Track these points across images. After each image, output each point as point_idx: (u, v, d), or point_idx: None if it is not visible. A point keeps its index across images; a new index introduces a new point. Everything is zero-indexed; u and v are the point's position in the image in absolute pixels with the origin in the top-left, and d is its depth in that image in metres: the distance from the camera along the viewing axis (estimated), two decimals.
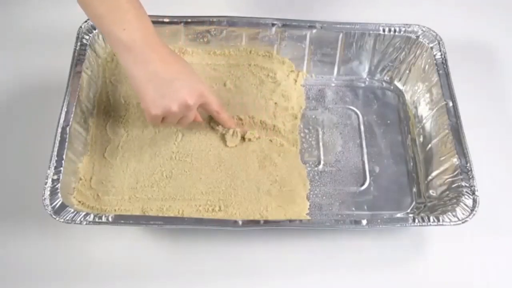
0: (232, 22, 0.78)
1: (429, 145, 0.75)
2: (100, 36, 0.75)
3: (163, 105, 0.64)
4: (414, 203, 0.74)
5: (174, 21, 0.77)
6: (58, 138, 0.66)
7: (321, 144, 0.78)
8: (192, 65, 0.79)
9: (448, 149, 0.71)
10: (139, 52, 0.62)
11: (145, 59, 0.62)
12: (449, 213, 0.65)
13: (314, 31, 0.79)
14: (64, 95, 0.69)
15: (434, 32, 0.79)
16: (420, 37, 0.79)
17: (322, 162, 0.76)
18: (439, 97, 0.75)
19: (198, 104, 0.68)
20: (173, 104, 0.64)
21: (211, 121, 0.75)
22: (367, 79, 0.84)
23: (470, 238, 0.72)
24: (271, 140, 0.75)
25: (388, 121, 0.81)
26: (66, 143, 0.66)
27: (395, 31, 0.79)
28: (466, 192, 0.67)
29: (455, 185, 0.68)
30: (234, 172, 0.72)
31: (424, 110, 0.78)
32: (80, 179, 0.69)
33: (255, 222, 0.64)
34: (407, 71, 0.82)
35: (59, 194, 0.62)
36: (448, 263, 0.71)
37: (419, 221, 0.64)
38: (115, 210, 0.67)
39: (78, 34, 0.73)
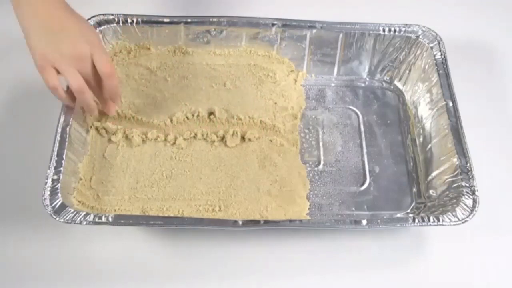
0: (232, 22, 0.78)
1: (429, 145, 0.75)
2: (100, 36, 0.75)
3: (53, 44, 0.61)
4: (414, 203, 0.74)
5: (174, 21, 0.77)
6: (58, 138, 0.66)
7: (321, 144, 0.78)
8: (192, 65, 0.79)
9: (448, 149, 0.71)
10: None
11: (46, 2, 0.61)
12: (449, 213, 0.65)
13: (314, 31, 0.79)
14: None
15: (434, 32, 0.79)
16: (420, 37, 0.79)
17: (322, 162, 0.76)
18: (439, 97, 0.75)
19: (90, 53, 0.63)
20: (64, 45, 0.61)
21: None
22: (367, 79, 0.84)
23: (470, 238, 0.72)
24: (271, 140, 0.75)
25: (388, 121, 0.81)
26: (66, 143, 0.66)
27: (395, 31, 0.79)
28: (466, 192, 0.67)
29: (455, 185, 0.68)
30: (234, 172, 0.72)
31: (424, 110, 0.78)
32: (80, 179, 0.69)
33: (255, 222, 0.64)
34: (407, 71, 0.82)
35: (59, 194, 0.62)
36: (448, 263, 0.71)
37: (419, 221, 0.64)
38: (115, 210, 0.67)
39: None
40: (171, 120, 0.74)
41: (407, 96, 0.82)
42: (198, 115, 0.75)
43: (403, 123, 0.81)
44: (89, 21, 0.75)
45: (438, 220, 0.64)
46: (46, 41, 0.61)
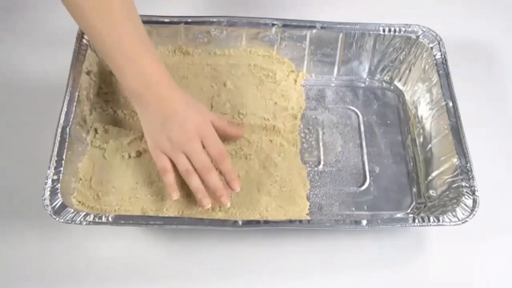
0: (232, 22, 0.78)
1: (429, 145, 0.75)
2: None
3: (163, 133, 0.65)
4: (414, 203, 0.74)
5: (174, 21, 0.77)
6: (58, 138, 0.66)
7: (321, 144, 0.78)
8: (192, 65, 0.79)
9: (448, 149, 0.71)
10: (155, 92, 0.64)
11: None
12: (449, 213, 0.65)
13: (314, 31, 0.79)
14: (64, 95, 0.69)
15: (434, 32, 0.79)
16: (420, 37, 0.79)
17: (322, 162, 0.76)
18: (439, 97, 0.75)
19: (200, 136, 0.66)
20: (174, 132, 0.65)
21: None
22: (367, 79, 0.84)
23: (470, 238, 0.72)
24: (271, 140, 0.75)
25: (388, 121, 0.81)
26: (66, 143, 0.66)
27: (395, 31, 0.79)
28: (466, 192, 0.67)
29: (455, 185, 0.68)
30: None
31: (424, 110, 0.78)
32: (80, 179, 0.69)
33: (255, 222, 0.64)
34: (407, 71, 0.82)
35: (59, 194, 0.62)
36: (448, 263, 0.71)
37: (419, 221, 0.64)
38: (115, 210, 0.67)
39: (78, 34, 0.73)
40: None
41: (407, 96, 0.82)
42: None
43: (403, 123, 0.81)
44: None
45: (438, 220, 0.64)
46: (159, 130, 0.65)
